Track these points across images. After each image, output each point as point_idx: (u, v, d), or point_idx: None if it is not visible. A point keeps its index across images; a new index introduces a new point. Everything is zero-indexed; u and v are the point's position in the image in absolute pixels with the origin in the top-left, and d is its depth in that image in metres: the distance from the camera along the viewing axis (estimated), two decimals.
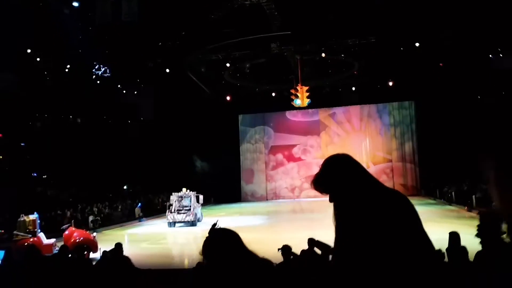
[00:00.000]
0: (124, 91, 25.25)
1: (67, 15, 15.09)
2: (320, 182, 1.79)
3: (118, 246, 7.62)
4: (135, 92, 26.05)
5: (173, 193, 22.13)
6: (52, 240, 14.57)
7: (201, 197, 22.46)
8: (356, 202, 1.61)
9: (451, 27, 18.64)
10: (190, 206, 21.25)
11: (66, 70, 20.32)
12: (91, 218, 21.80)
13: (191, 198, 21.69)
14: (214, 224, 2.05)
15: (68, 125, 26.87)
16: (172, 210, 21.14)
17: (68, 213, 21.64)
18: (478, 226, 3.58)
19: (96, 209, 23.52)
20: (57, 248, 13.70)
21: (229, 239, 1.94)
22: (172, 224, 20.88)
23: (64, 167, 25.11)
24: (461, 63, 22.23)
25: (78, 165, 25.48)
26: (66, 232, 15.02)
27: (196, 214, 21.12)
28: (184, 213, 20.93)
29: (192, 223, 20.76)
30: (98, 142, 26.71)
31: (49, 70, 20.26)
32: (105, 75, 20.65)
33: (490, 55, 21.31)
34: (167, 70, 22.97)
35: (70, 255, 8.04)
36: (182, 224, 20.91)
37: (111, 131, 27.82)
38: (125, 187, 30.08)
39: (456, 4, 16.37)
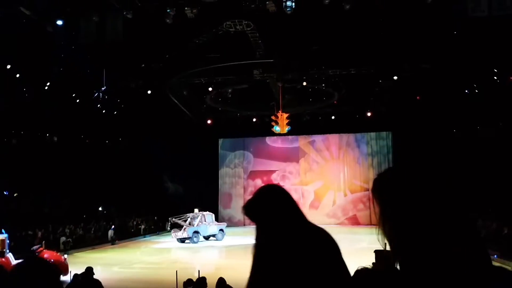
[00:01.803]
0: (104, 111, 25.02)
1: (51, 33, 15.01)
2: (250, 209, 1.77)
3: (89, 269, 7.46)
4: (115, 113, 25.85)
5: (188, 214, 24.78)
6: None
7: (210, 216, 24.62)
8: (279, 234, 1.61)
9: (428, 61, 19.28)
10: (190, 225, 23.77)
11: (46, 88, 20.08)
12: (62, 239, 21.21)
13: (200, 217, 24.10)
14: None
15: (44, 143, 26.35)
16: (182, 229, 23.67)
17: (39, 234, 21.01)
18: (373, 263, 3.64)
19: (68, 230, 22.92)
20: None
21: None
22: (179, 240, 23.55)
23: (38, 186, 24.50)
24: (438, 96, 22.91)
25: (53, 184, 24.91)
26: (36, 254, 14.58)
27: (193, 231, 23.33)
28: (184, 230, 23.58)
29: (191, 240, 23.29)
30: (74, 162, 26.23)
31: (28, 87, 19.98)
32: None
33: (466, 90, 22.03)
34: (149, 92, 22.95)
35: None
36: (187, 240, 23.42)
37: (88, 151, 27.39)
38: (100, 208, 29.45)
39: (434, 39, 16.97)
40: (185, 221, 24.22)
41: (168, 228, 26.32)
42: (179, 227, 24.22)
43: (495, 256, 15.42)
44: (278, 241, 1.59)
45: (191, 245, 22.83)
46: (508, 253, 14.78)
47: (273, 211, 1.69)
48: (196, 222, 23.94)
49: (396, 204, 1.51)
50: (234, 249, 21.23)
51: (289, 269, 1.54)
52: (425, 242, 1.39)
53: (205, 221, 24.27)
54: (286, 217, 1.65)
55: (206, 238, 24.18)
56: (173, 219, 24.49)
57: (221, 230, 24.58)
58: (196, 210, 25.06)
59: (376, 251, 7.91)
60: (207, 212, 24.94)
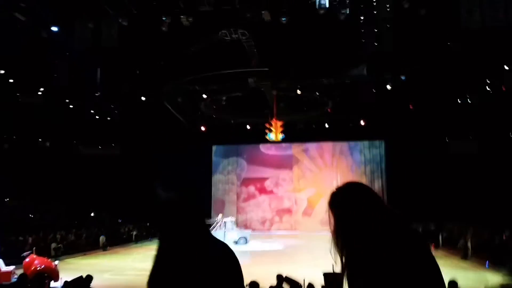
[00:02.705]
0: (97, 117, 24.98)
1: (45, 39, 15.01)
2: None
3: (88, 278, 7.45)
4: (108, 118, 25.81)
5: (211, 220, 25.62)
6: (11, 268, 13.96)
7: (230, 223, 24.79)
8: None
9: (421, 71, 19.49)
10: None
11: (39, 93, 20.03)
12: (53, 245, 21.03)
13: (218, 223, 24.60)
14: None
15: (36, 148, 26.21)
16: None
17: (30, 239, 20.83)
18: (322, 286, 3.70)
19: (59, 236, 22.74)
20: (16, 276, 13.14)
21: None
22: None
23: (29, 191, 24.35)
24: (430, 106, 23.13)
25: (44, 189, 24.76)
26: (27, 260, 14.45)
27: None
28: None
29: None
30: (66, 167, 26.11)
31: (21, 92, 19.91)
32: None
33: (459, 100, 22.27)
34: (143, 98, 22.95)
35: (29, 285, 7.77)
36: None
37: (81, 157, 27.27)
38: (92, 214, 29.28)
39: (427, 48, 17.18)
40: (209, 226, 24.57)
41: None
42: None
43: (487, 264, 15.55)
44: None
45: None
46: (499, 261, 14.89)
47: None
48: (215, 227, 24.28)
49: (345, 217, 1.58)
50: None
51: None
52: (368, 253, 1.45)
53: (224, 227, 24.26)
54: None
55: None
56: None
57: (244, 237, 24.39)
58: (219, 216, 25.59)
59: (325, 274, 7.98)
60: (229, 218, 25.14)
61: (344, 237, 1.57)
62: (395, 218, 1.60)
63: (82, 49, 14.90)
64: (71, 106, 22.59)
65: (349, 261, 1.52)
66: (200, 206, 1.82)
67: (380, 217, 1.58)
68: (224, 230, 24.25)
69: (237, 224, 26.78)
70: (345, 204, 1.63)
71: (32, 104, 20.47)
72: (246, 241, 24.14)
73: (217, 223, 24.73)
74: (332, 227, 1.64)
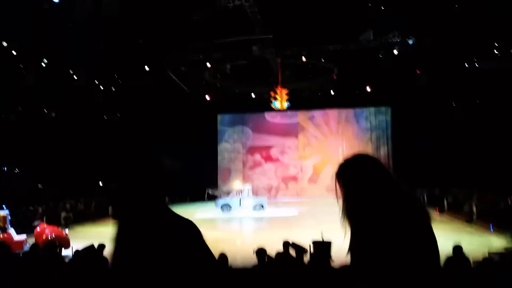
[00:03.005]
0: (101, 87, 24.91)
1: (46, 10, 14.80)
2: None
3: (101, 247, 7.59)
4: (113, 89, 25.74)
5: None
6: (23, 236, 14.32)
7: (246, 190, 25.37)
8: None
9: (429, 35, 19.11)
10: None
11: (43, 64, 19.92)
12: (63, 214, 21.43)
13: (234, 191, 25.97)
14: None
15: (42, 119, 26.31)
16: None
17: (40, 209, 21.23)
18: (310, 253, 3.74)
19: (69, 206, 23.12)
20: (28, 245, 13.48)
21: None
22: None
23: (38, 162, 24.62)
24: (438, 70, 22.80)
25: (53, 160, 25.02)
26: (38, 229, 14.78)
27: (221, 204, 25.02)
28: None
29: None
30: (74, 137, 26.27)
31: (25, 64, 19.81)
32: None
33: (466, 64, 21.91)
34: (146, 68, 22.78)
35: (41, 253, 7.95)
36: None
37: (87, 127, 27.38)
38: (100, 183, 29.65)
39: (434, 11, 16.79)
40: (228, 193, 25.92)
41: (206, 199, 29.97)
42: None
43: (491, 228, 15.70)
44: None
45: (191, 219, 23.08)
46: (503, 225, 15.04)
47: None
48: (230, 195, 25.34)
49: (352, 189, 1.59)
50: (233, 223, 21.52)
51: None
52: (371, 225, 1.47)
53: (240, 194, 24.87)
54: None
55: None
56: (211, 191, 26.89)
57: (260, 204, 24.80)
58: (237, 182, 26.67)
59: (314, 243, 8.04)
60: (246, 186, 25.67)
61: (350, 209, 1.59)
62: (401, 191, 1.61)
63: (83, 19, 14.69)
64: (75, 77, 22.48)
65: (353, 231, 1.55)
66: (159, 183, 1.77)
67: (386, 190, 1.59)
68: (240, 197, 24.81)
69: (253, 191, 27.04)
70: (353, 176, 1.64)
71: (36, 75, 20.40)
72: (262, 208, 24.42)
73: (234, 190, 25.43)
74: (340, 198, 1.66)
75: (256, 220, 22.84)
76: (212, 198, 26.36)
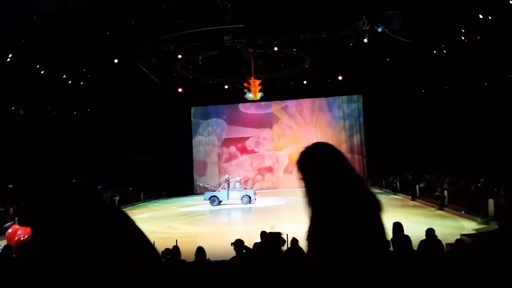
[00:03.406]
0: (70, 82, 24.25)
1: (11, 1, 14.26)
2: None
3: None
4: (81, 83, 25.10)
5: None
6: None
7: (233, 182, 25.49)
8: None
9: (398, 22, 19.31)
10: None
11: (8, 60, 19.21)
12: None
13: (222, 184, 26.40)
14: None
15: (10, 117, 25.46)
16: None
17: (11, 210, 20.60)
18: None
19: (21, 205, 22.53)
20: None
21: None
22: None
23: (7, 161, 23.86)
24: (407, 58, 23.16)
25: (22, 157, 24.29)
26: (10, 230, 14.34)
27: (209, 196, 25.33)
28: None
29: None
30: (44, 134, 25.54)
31: None
32: None
33: (434, 51, 22.32)
34: (116, 61, 22.28)
35: (14, 255, 7.70)
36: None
37: (56, 123, 26.66)
38: (73, 181, 28.99)
39: None
40: (219, 185, 26.20)
41: (197, 192, 30.41)
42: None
43: (463, 212, 16.15)
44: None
45: (166, 214, 22.88)
46: (474, 209, 15.47)
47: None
48: (219, 187, 25.71)
49: (311, 176, 1.64)
50: (210, 216, 21.45)
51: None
52: (327, 211, 1.51)
53: (228, 187, 25.06)
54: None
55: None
56: (201, 184, 27.05)
57: (247, 196, 24.81)
58: (226, 176, 26.68)
59: (262, 233, 8.09)
60: (235, 178, 25.87)
61: (309, 196, 1.64)
62: (356, 179, 1.66)
63: (50, 11, 14.22)
64: (42, 72, 21.80)
65: (311, 218, 1.60)
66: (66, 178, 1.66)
67: (342, 179, 1.64)
68: (228, 190, 25.00)
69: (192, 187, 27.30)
70: (311, 164, 1.70)
71: (2, 72, 19.69)
72: (249, 200, 24.50)
73: (221, 183, 25.63)
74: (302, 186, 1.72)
75: (244, 211, 22.89)
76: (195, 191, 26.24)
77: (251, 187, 28.00)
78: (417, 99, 27.49)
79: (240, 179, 26.49)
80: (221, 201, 24.68)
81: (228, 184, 25.37)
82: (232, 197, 24.80)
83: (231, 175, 34.87)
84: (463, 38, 19.64)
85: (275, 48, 22.37)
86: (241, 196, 24.73)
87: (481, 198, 15.21)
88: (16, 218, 18.17)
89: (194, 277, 5.39)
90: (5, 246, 8.62)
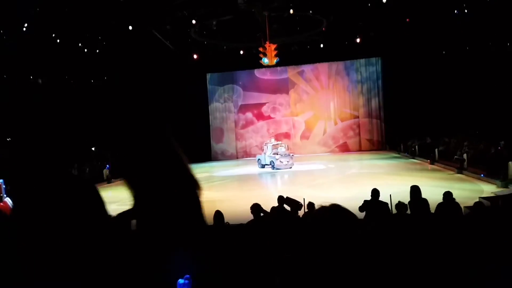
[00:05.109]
0: (86, 50, 24.30)
1: None
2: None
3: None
4: (97, 51, 25.12)
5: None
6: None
7: (270, 146, 25.55)
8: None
9: None
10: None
11: (24, 29, 19.27)
12: None
13: (265, 147, 26.29)
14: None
15: (29, 86, 25.79)
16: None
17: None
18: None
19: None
20: None
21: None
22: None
23: (30, 130, 24.34)
24: (427, 19, 22.43)
25: (43, 127, 24.73)
26: (1, 203, 14.76)
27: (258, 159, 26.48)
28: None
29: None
30: (62, 103, 25.87)
31: (5, 29, 19.16)
32: None
33: (456, 11, 21.54)
34: (130, 28, 22.14)
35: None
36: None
37: (74, 92, 26.93)
38: (93, 149, 29.54)
39: None
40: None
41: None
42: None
43: (482, 175, 15.98)
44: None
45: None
46: (493, 172, 15.29)
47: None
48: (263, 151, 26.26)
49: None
50: (228, 182, 21.71)
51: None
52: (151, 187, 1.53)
53: (267, 150, 25.50)
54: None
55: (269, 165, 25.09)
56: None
57: (272, 162, 24.95)
58: (272, 140, 26.77)
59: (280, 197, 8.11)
60: (271, 142, 25.96)
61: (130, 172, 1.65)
62: (177, 158, 1.71)
63: None
64: (58, 41, 21.86)
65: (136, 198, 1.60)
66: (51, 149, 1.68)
67: (165, 156, 1.66)
68: (264, 154, 25.61)
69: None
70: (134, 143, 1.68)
71: (19, 41, 19.81)
72: (273, 167, 24.55)
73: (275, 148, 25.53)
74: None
75: (261, 176, 23.19)
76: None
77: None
78: (437, 61, 26.80)
79: (283, 144, 26.36)
80: (265, 165, 25.07)
81: (267, 148, 25.68)
82: (263, 162, 25.48)
83: (248, 141, 35.09)
84: None
85: (291, 11, 21.85)
86: (269, 161, 25.00)
87: (501, 161, 14.98)
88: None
89: (213, 240, 5.51)
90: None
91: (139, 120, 1.71)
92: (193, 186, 1.66)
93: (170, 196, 1.55)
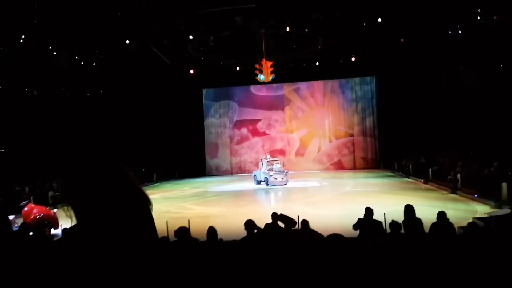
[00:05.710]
0: (82, 63, 24.34)
1: None
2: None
3: None
4: (93, 64, 25.18)
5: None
6: (11, 217, 14.15)
7: (265, 162, 25.46)
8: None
9: (412, 3, 18.94)
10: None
11: (21, 40, 19.30)
12: (50, 193, 21.25)
13: (260, 163, 26.11)
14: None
15: (24, 97, 25.72)
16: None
17: (27, 189, 21.00)
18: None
19: (56, 185, 22.89)
20: (16, 225, 13.36)
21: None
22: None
23: (23, 141, 24.21)
24: (421, 39, 22.73)
25: (38, 140, 24.61)
26: (25, 209, 14.65)
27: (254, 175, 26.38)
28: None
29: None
30: (57, 115, 25.81)
31: (2, 41, 19.18)
32: None
33: (450, 31, 21.86)
34: (127, 42, 22.26)
35: (30, 233, 7.87)
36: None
37: (70, 104, 26.89)
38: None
39: None
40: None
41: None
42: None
43: (476, 195, 16.01)
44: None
45: (179, 195, 23.13)
46: (487, 193, 15.33)
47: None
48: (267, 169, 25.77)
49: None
50: (222, 197, 21.61)
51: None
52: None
53: (262, 166, 25.44)
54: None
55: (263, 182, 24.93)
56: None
57: (267, 178, 24.79)
58: (267, 156, 26.70)
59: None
60: (266, 158, 25.88)
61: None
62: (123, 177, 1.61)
63: None
64: (54, 53, 21.89)
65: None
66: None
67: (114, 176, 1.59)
68: (260, 170, 25.45)
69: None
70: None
71: (16, 53, 19.83)
72: (267, 183, 24.30)
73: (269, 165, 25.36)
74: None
75: (256, 192, 23.05)
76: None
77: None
78: (431, 81, 27.08)
79: (278, 161, 26.25)
80: (269, 182, 24.43)
81: (262, 164, 25.50)
82: (258, 178, 25.27)
83: (242, 157, 35.04)
84: (479, 18, 19.18)
85: (287, 29, 22.09)
86: (264, 177, 24.82)
87: (494, 181, 15.05)
88: (32, 197, 18.50)
89: (205, 256, 5.47)
90: (22, 224, 8.80)
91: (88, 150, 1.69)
92: (143, 201, 1.61)
93: (118, 210, 1.51)
